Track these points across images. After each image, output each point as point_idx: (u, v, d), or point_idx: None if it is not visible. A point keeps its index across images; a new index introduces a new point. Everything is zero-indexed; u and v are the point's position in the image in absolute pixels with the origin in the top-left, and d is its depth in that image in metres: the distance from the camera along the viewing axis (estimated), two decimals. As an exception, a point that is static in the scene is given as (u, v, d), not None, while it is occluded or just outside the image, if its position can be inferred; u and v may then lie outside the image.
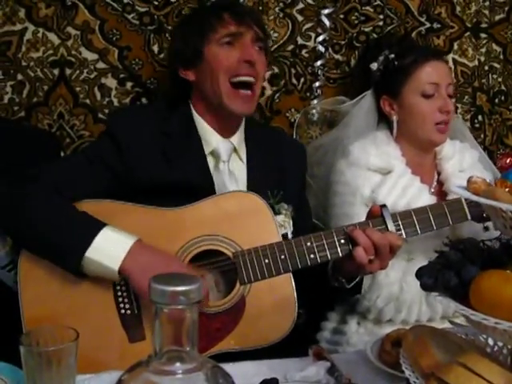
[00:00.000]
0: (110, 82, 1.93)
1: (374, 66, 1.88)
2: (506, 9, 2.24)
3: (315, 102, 2.10)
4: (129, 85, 1.95)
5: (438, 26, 2.19)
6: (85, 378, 1.15)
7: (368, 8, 2.12)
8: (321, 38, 2.08)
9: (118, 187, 1.48)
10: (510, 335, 0.86)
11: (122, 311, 1.37)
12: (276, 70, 2.06)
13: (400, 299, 1.63)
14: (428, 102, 1.74)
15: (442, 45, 2.19)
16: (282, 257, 1.40)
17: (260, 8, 2.01)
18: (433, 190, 1.78)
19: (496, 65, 2.26)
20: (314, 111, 2.10)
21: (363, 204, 1.68)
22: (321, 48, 2.08)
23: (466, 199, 1.51)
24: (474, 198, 0.93)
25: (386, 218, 1.42)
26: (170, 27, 1.94)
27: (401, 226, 1.45)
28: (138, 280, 1.30)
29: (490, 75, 2.25)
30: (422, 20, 2.17)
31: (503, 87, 2.27)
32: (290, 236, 1.53)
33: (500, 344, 0.98)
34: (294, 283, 1.41)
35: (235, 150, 1.61)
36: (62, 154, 1.86)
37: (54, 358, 0.98)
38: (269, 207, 1.46)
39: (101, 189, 1.46)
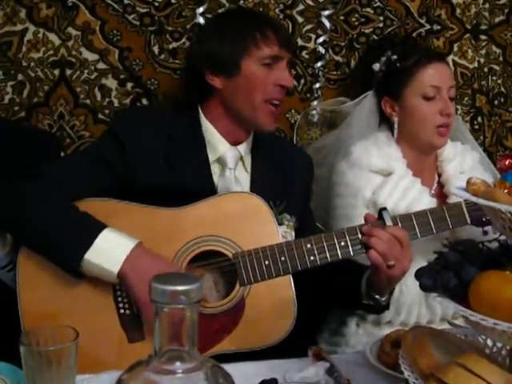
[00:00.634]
0: (111, 82, 1.93)
1: (376, 66, 1.88)
2: (506, 11, 2.25)
3: (315, 103, 2.10)
4: (129, 85, 1.95)
5: (438, 27, 2.19)
6: (84, 377, 1.15)
7: (368, 9, 2.13)
8: (321, 40, 2.08)
9: (119, 187, 1.48)
10: (509, 336, 0.86)
11: (122, 311, 1.37)
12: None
13: (399, 301, 1.63)
14: (429, 105, 1.74)
15: (441, 46, 2.20)
16: (282, 258, 1.40)
17: (260, 9, 2.01)
18: (433, 192, 1.78)
19: (496, 67, 2.26)
20: (314, 112, 2.10)
21: (365, 206, 1.69)
22: (321, 49, 2.09)
23: (465, 203, 1.51)
24: (474, 199, 0.93)
25: (386, 220, 1.42)
26: (170, 28, 1.95)
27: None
28: (134, 285, 1.30)
29: (490, 77, 2.25)
30: (422, 22, 2.17)
31: (503, 89, 2.28)
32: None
33: (499, 345, 0.98)
34: (293, 284, 1.41)
35: (241, 158, 1.60)
36: (63, 154, 1.86)
37: (53, 358, 0.98)
38: (269, 208, 1.45)
39: (102, 188, 1.46)
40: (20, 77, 1.87)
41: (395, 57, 1.84)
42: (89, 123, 1.93)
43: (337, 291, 1.55)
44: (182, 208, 1.44)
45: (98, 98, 1.93)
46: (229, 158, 1.56)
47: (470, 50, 2.22)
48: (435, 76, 1.75)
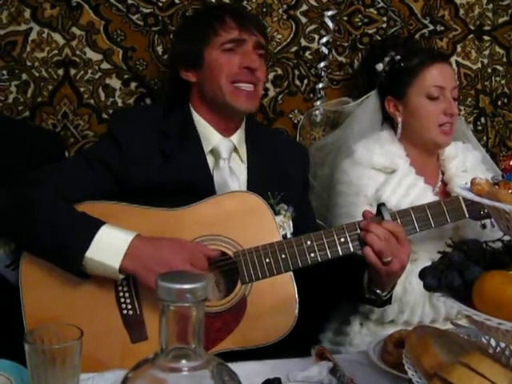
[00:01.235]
0: (115, 82, 1.94)
1: (380, 66, 1.88)
2: (510, 12, 2.25)
3: (318, 103, 2.10)
4: (133, 85, 1.95)
5: (442, 28, 2.19)
6: (88, 376, 1.16)
7: (371, 10, 2.13)
8: (324, 40, 2.08)
9: (119, 188, 1.49)
10: (513, 336, 0.86)
11: (124, 311, 1.38)
12: (279, 71, 2.06)
13: (403, 300, 1.63)
14: (433, 104, 1.75)
15: (445, 47, 2.20)
16: (283, 256, 1.41)
17: (264, 10, 2.01)
18: (437, 190, 1.78)
19: (499, 67, 2.26)
20: (317, 112, 2.10)
21: (367, 204, 1.69)
22: (324, 50, 2.09)
23: (463, 197, 1.52)
24: (478, 199, 0.93)
25: (385, 216, 1.43)
26: (174, 28, 1.95)
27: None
28: (143, 276, 1.31)
29: (493, 77, 2.25)
30: (426, 22, 2.18)
31: (506, 89, 2.28)
32: (289, 237, 1.53)
33: (502, 345, 0.98)
34: (294, 282, 1.42)
35: (235, 149, 1.61)
36: (67, 153, 1.87)
37: (58, 356, 0.98)
38: (269, 207, 1.46)
39: (101, 190, 1.47)
40: (24, 76, 1.88)
41: (399, 57, 1.84)
42: (93, 123, 1.94)
43: (340, 285, 1.56)
44: (183, 208, 1.44)
45: (102, 97, 1.94)
46: (222, 149, 1.58)
47: (473, 51, 2.22)
48: (439, 76, 1.76)
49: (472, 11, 2.20)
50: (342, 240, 1.43)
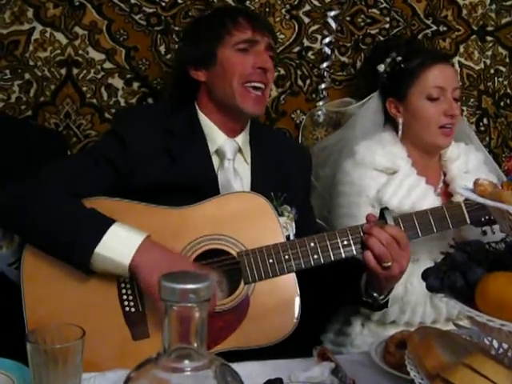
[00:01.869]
0: (117, 82, 1.94)
1: (381, 67, 1.88)
2: (513, 12, 2.25)
3: (321, 103, 2.10)
4: (135, 85, 1.96)
5: (444, 28, 2.19)
6: (90, 376, 1.15)
7: (374, 10, 2.13)
8: (327, 40, 2.08)
9: (123, 186, 1.49)
10: (516, 337, 0.86)
11: (127, 309, 1.38)
12: (282, 71, 2.06)
13: (404, 300, 1.63)
14: (433, 106, 1.75)
15: (447, 47, 2.20)
16: (286, 257, 1.41)
17: (267, 10, 2.02)
18: (439, 191, 1.78)
19: (502, 68, 2.26)
20: (319, 113, 2.10)
21: (369, 205, 1.69)
22: (327, 50, 2.09)
23: (465, 203, 1.53)
24: (481, 200, 0.93)
25: (388, 220, 1.43)
26: (177, 28, 1.95)
27: (402, 229, 1.46)
28: (146, 277, 1.30)
29: (496, 78, 2.25)
30: (428, 23, 2.17)
31: (509, 90, 2.27)
32: (292, 238, 1.54)
33: (505, 346, 0.98)
34: (297, 283, 1.42)
35: (240, 150, 1.62)
36: (69, 153, 1.87)
37: (60, 356, 0.98)
38: (273, 208, 1.47)
39: (105, 188, 1.47)
40: (27, 76, 1.88)
41: (400, 58, 1.84)
42: (95, 122, 1.94)
43: (337, 288, 1.56)
44: (187, 207, 1.44)
45: (105, 97, 1.94)
46: (227, 150, 1.59)
47: (476, 52, 2.22)
48: (440, 77, 1.76)
49: (475, 11, 2.20)
50: (345, 243, 1.44)
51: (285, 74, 2.07)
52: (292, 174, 1.66)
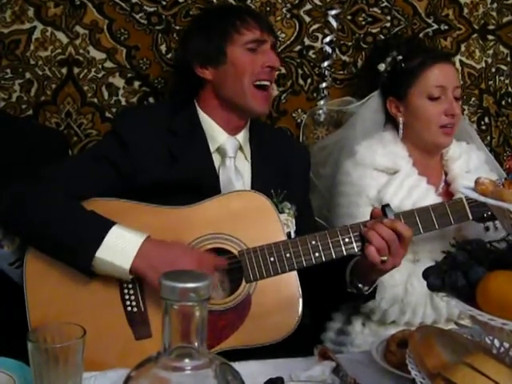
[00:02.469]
0: (118, 81, 1.94)
1: (382, 66, 1.88)
2: (514, 11, 2.25)
3: (322, 102, 2.10)
4: (136, 84, 1.96)
5: (446, 27, 2.19)
6: (91, 375, 1.15)
7: (375, 9, 2.12)
8: (328, 39, 2.08)
9: (124, 186, 1.49)
10: (517, 336, 0.86)
11: (129, 309, 1.38)
12: (283, 70, 2.06)
13: (404, 301, 1.63)
14: (434, 105, 1.74)
15: (449, 46, 2.19)
16: (288, 255, 1.41)
17: (268, 9, 2.01)
18: (440, 191, 1.78)
19: (503, 67, 2.26)
20: (320, 112, 2.10)
21: (369, 204, 1.69)
22: (328, 49, 2.08)
23: (467, 200, 1.53)
24: (482, 199, 0.93)
25: (389, 217, 1.43)
26: (177, 27, 1.95)
27: None
28: (152, 277, 1.31)
29: (497, 77, 2.25)
30: (430, 21, 2.17)
31: (510, 89, 2.27)
32: (292, 235, 1.54)
33: (506, 345, 0.97)
34: (298, 281, 1.42)
35: (240, 147, 1.63)
36: (70, 152, 1.87)
37: (60, 355, 0.98)
38: (274, 206, 1.47)
39: (107, 188, 1.47)
40: (28, 75, 1.88)
41: (400, 57, 1.84)
42: (96, 121, 1.94)
43: (323, 280, 1.54)
44: (188, 207, 1.45)
45: (106, 96, 1.94)
46: (228, 148, 1.60)
47: (477, 50, 2.22)
48: (440, 76, 1.75)
49: (476, 10, 2.20)
50: (347, 240, 1.44)
51: (286, 73, 2.07)
52: (291, 170, 1.67)
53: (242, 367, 0.74)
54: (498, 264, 0.92)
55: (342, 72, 2.13)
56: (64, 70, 1.90)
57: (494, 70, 2.24)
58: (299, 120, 2.10)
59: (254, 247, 1.41)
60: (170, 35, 1.96)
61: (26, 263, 1.40)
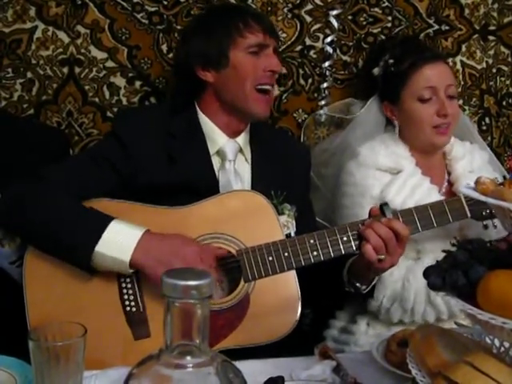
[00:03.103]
0: (119, 80, 1.94)
1: (376, 71, 1.88)
2: (515, 11, 2.25)
3: (323, 102, 2.10)
4: (137, 84, 1.96)
5: (447, 28, 2.19)
6: (92, 373, 1.15)
7: (376, 9, 2.13)
8: (329, 39, 2.08)
9: (123, 187, 1.50)
10: (517, 335, 0.86)
11: (128, 308, 1.38)
12: (284, 70, 2.06)
13: (403, 298, 1.63)
14: (425, 107, 1.73)
15: (450, 47, 2.20)
16: (286, 254, 1.42)
17: (269, 8, 2.02)
18: (443, 191, 1.78)
19: (504, 67, 2.26)
20: (321, 112, 2.10)
21: (373, 204, 1.68)
22: (329, 49, 2.08)
23: (465, 198, 1.53)
24: (483, 198, 0.93)
25: (388, 215, 1.43)
26: (179, 27, 1.95)
27: None
28: (152, 271, 1.31)
29: (498, 77, 2.25)
30: (431, 22, 2.17)
31: (511, 89, 2.27)
32: (293, 236, 1.53)
33: (506, 345, 0.97)
34: (297, 280, 1.42)
35: (241, 150, 1.62)
36: (71, 151, 1.87)
37: (62, 354, 0.98)
38: (272, 206, 1.47)
39: (107, 188, 1.47)
40: (29, 74, 1.88)
41: (392, 61, 1.83)
42: (97, 121, 1.94)
43: (321, 278, 1.55)
44: (187, 207, 1.45)
45: (107, 96, 1.94)
46: (228, 151, 1.59)
47: (478, 51, 2.22)
48: (430, 77, 1.74)
49: (477, 11, 2.20)
50: (345, 239, 1.44)
51: (287, 73, 2.07)
52: (292, 171, 1.67)
53: (242, 366, 0.73)
54: (498, 263, 0.92)
55: (342, 72, 2.13)
56: (65, 70, 1.91)
57: (494, 70, 2.24)
58: (300, 120, 2.10)
59: (252, 246, 1.42)
60: (171, 35, 1.96)
61: (25, 262, 1.40)
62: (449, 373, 0.86)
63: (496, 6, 2.21)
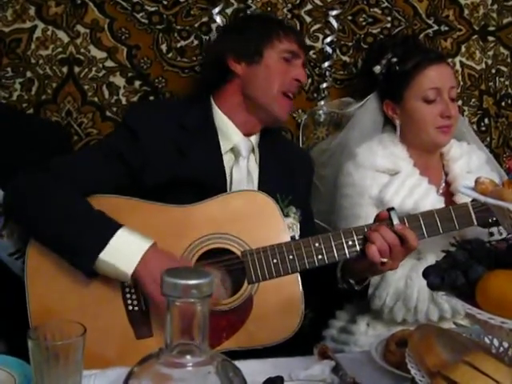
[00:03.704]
0: (119, 80, 1.94)
1: (377, 69, 1.88)
2: (515, 12, 2.25)
3: (322, 102, 2.10)
4: (137, 83, 1.96)
5: (446, 28, 2.19)
6: (90, 373, 1.15)
7: (376, 10, 2.13)
8: (328, 40, 2.08)
9: (134, 180, 1.50)
10: (516, 335, 0.86)
11: (130, 308, 1.38)
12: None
13: (406, 296, 1.62)
14: (429, 107, 1.74)
15: (449, 47, 2.20)
16: (291, 257, 1.41)
17: (268, 8, 2.01)
18: (441, 191, 1.78)
19: (503, 68, 2.26)
20: (320, 112, 2.10)
21: (372, 205, 1.69)
22: (328, 49, 2.09)
23: (472, 204, 1.52)
24: (482, 198, 0.93)
25: (394, 220, 1.43)
26: (178, 27, 1.96)
27: None
28: (148, 285, 1.31)
29: (497, 78, 2.25)
30: (430, 22, 2.17)
31: (510, 90, 2.27)
32: (297, 239, 1.53)
33: (505, 345, 0.98)
34: (301, 283, 1.42)
35: (253, 149, 1.64)
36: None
37: (61, 353, 0.98)
38: (278, 207, 1.47)
39: (116, 183, 1.47)
40: (28, 74, 1.89)
41: (395, 59, 1.83)
42: (96, 120, 1.94)
43: (314, 275, 1.54)
44: (192, 205, 1.44)
45: (106, 95, 1.94)
46: (242, 148, 1.60)
47: (477, 51, 2.22)
48: (435, 78, 1.74)
49: (476, 11, 2.20)
50: (350, 243, 1.44)
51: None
52: (297, 177, 1.69)
53: (241, 366, 0.73)
54: (497, 263, 0.93)
55: (342, 72, 2.13)
56: (65, 69, 1.91)
57: (494, 71, 2.24)
58: (299, 120, 2.10)
59: (257, 248, 1.41)
60: (170, 35, 1.96)
61: (27, 257, 1.40)
62: (448, 372, 0.86)
63: (495, 6, 2.21)
